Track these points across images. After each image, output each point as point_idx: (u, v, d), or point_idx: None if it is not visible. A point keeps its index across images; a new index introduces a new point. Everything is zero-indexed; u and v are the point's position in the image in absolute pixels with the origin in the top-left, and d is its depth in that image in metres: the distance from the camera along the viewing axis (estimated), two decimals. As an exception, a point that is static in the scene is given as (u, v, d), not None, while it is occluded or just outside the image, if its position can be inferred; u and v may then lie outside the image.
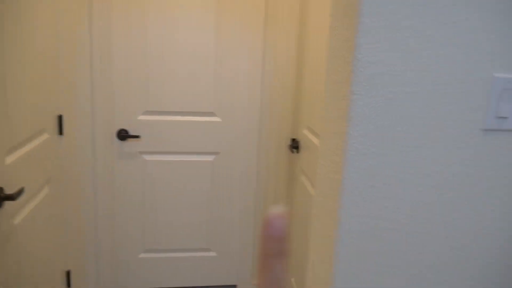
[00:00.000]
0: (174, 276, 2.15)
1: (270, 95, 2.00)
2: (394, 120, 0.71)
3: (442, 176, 0.74)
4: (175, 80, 1.93)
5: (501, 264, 0.80)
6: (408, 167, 0.73)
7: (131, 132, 1.95)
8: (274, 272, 0.23)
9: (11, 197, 1.09)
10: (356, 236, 0.75)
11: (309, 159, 1.70)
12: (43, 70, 1.47)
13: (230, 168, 2.08)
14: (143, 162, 1.99)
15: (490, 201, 0.77)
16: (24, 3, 1.27)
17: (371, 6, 0.67)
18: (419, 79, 0.70)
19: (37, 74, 1.40)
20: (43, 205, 1.47)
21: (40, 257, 1.43)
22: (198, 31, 1.91)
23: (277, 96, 2.00)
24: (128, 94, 1.91)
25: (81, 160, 1.91)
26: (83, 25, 1.79)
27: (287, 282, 0.23)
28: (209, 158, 2.05)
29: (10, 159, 1.17)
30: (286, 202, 2.12)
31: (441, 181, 0.75)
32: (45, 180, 1.50)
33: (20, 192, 1.13)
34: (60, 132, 1.71)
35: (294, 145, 1.94)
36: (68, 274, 1.83)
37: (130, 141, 1.96)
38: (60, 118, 1.70)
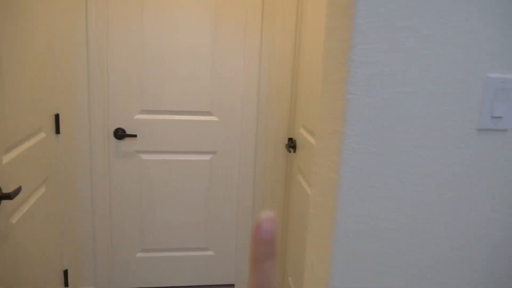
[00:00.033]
0: (172, 276, 2.15)
1: (267, 95, 2.00)
2: (393, 120, 0.71)
3: (442, 176, 0.75)
4: (172, 79, 1.93)
5: (501, 264, 0.80)
6: (408, 167, 0.73)
7: (128, 131, 1.94)
8: (265, 274, 0.24)
9: (8, 196, 1.09)
10: (353, 235, 0.75)
11: (305, 158, 1.70)
12: (40, 69, 1.46)
13: (227, 168, 2.07)
14: (140, 161, 1.99)
15: (490, 201, 0.77)
16: (23, 3, 1.26)
17: (367, 7, 0.66)
18: (418, 79, 0.70)
19: (34, 73, 1.39)
20: (40, 204, 1.47)
21: (37, 256, 1.42)
22: (195, 30, 1.90)
23: (274, 95, 2.00)
24: (125, 93, 1.90)
25: (78, 159, 1.90)
26: (80, 25, 1.78)
27: (277, 283, 0.24)
28: (206, 157, 2.05)
29: (7, 158, 1.16)
30: (283, 201, 2.12)
31: (441, 181, 0.75)
32: (42, 179, 1.49)
33: (17, 191, 1.13)
34: (57, 131, 1.70)
35: (291, 145, 1.94)
36: (65, 273, 1.82)
37: (127, 140, 1.95)
38: (57, 117, 1.69)
